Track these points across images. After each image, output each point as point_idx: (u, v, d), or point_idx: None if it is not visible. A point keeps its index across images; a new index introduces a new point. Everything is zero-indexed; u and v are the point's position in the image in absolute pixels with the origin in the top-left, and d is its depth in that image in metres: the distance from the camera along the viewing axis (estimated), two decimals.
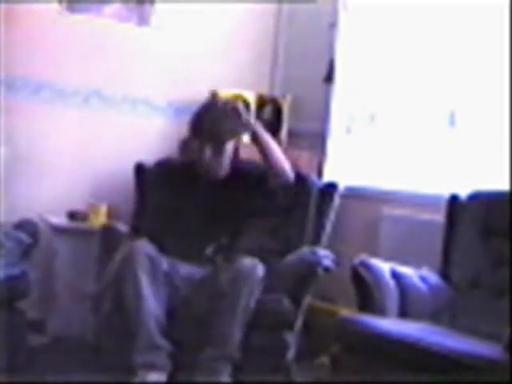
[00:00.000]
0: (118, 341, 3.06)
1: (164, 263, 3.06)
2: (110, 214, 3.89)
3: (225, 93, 4.21)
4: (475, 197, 3.31)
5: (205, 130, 3.19)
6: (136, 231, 3.40)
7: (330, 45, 4.18)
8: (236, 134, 3.24)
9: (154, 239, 3.10)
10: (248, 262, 3.05)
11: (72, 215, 3.88)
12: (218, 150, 3.22)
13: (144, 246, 3.02)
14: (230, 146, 3.26)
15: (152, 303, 2.94)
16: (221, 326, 2.96)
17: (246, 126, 3.23)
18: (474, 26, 3.70)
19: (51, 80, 4.00)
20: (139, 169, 3.74)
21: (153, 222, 3.32)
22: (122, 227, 3.45)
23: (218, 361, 2.95)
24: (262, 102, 4.34)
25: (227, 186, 3.29)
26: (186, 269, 3.16)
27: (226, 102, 3.34)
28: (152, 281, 2.96)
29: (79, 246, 3.79)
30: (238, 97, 4.28)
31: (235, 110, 3.21)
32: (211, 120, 3.20)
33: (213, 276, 3.08)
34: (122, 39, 4.16)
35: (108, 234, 3.38)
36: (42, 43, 3.95)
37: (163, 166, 3.56)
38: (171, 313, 3.01)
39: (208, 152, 3.20)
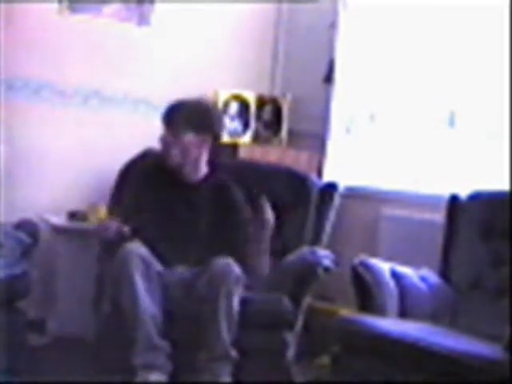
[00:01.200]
0: (118, 341, 3.06)
1: (157, 265, 3.07)
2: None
3: (225, 93, 4.24)
4: (475, 197, 3.31)
5: (168, 116, 3.29)
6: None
7: (330, 45, 4.18)
8: (198, 128, 3.26)
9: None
10: (222, 262, 3.02)
11: (72, 215, 3.88)
12: (176, 136, 3.26)
13: (137, 248, 3.03)
14: (190, 141, 3.27)
15: (148, 304, 2.94)
16: (209, 330, 2.96)
17: (210, 127, 3.29)
18: (474, 26, 3.70)
19: (51, 80, 3.99)
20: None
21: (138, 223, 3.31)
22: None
23: (216, 361, 2.95)
24: (261, 102, 4.35)
25: (200, 190, 3.32)
26: (176, 271, 3.16)
27: (198, 100, 3.38)
28: (147, 282, 2.97)
29: (79, 246, 3.78)
30: (237, 97, 4.30)
31: (203, 108, 3.33)
32: (176, 108, 3.29)
33: (191, 280, 3.09)
34: (122, 39, 4.15)
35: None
36: (41, 43, 3.93)
37: (143, 162, 3.59)
38: (168, 314, 3.01)
39: (167, 135, 3.26)
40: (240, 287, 3.02)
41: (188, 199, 3.30)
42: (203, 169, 3.35)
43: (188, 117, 3.28)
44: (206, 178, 3.36)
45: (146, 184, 3.33)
